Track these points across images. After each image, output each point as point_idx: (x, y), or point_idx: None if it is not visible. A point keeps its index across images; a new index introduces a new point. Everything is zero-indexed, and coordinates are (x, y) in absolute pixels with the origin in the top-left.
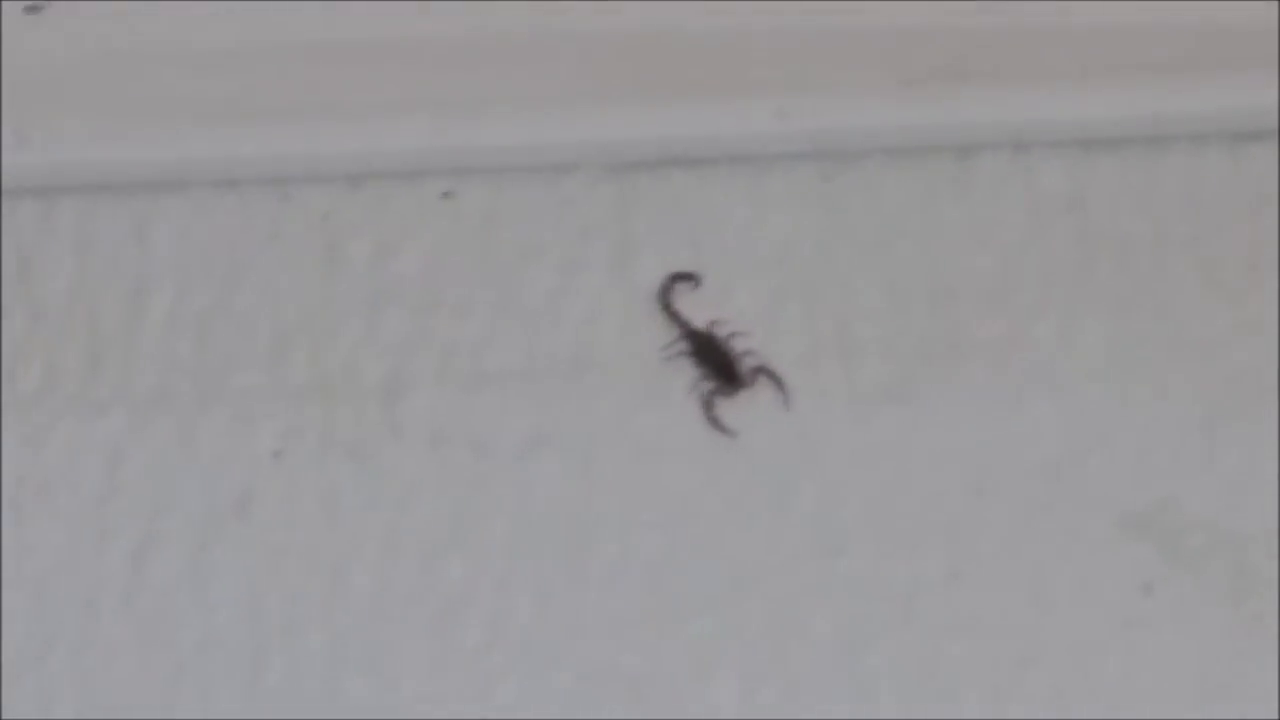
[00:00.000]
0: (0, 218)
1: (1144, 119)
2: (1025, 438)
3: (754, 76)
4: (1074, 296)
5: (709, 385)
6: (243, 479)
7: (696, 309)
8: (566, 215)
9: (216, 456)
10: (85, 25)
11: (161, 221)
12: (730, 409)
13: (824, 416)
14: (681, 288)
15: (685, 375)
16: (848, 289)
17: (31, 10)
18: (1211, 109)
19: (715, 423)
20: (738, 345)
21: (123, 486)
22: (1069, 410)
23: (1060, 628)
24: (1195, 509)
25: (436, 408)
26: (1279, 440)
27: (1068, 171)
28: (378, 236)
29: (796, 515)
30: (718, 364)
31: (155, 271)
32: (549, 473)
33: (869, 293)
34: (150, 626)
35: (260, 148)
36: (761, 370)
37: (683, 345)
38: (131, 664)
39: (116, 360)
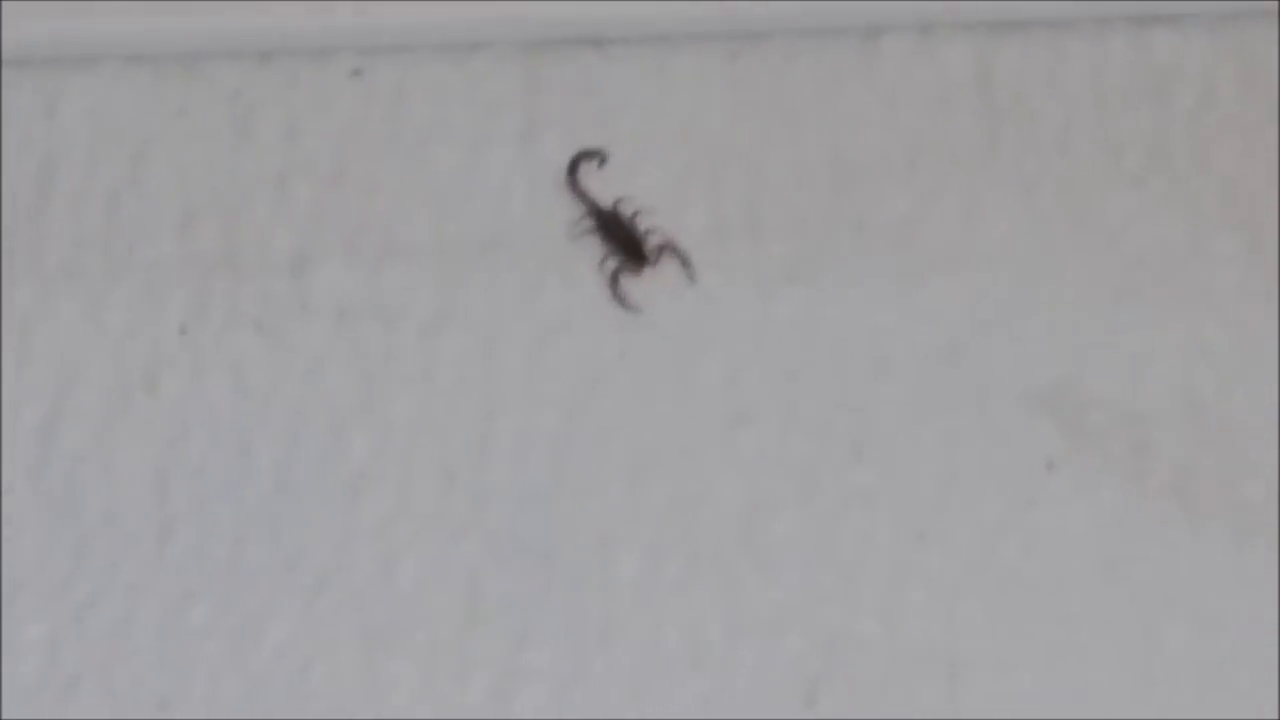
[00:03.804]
0: None
1: (1049, 1)
2: (929, 316)
3: None
4: (978, 177)
5: (615, 262)
6: (151, 353)
7: (603, 187)
8: (474, 93)
9: (124, 330)
10: None
11: (72, 97)
12: (636, 285)
13: (729, 294)
14: (588, 165)
15: (592, 252)
16: (753, 168)
17: None
18: None
19: (621, 299)
20: (643, 223)
21: (31, 360)
22: (972, 290)
23: (962, 503)
24: (1097, 387)
25: (344, 283)
26: (1180, 320)
27: (973, 53)
28: (287, 113)
29: (701, 391)
30: (624, 241)
31: (65, 147)
32: (456, 348)
33: (774, 172)
34: (57, 500)
35: (170, 23)
36: (667, 247)
37: (589, 222)
38: (39, 536)
39: (25, 235)
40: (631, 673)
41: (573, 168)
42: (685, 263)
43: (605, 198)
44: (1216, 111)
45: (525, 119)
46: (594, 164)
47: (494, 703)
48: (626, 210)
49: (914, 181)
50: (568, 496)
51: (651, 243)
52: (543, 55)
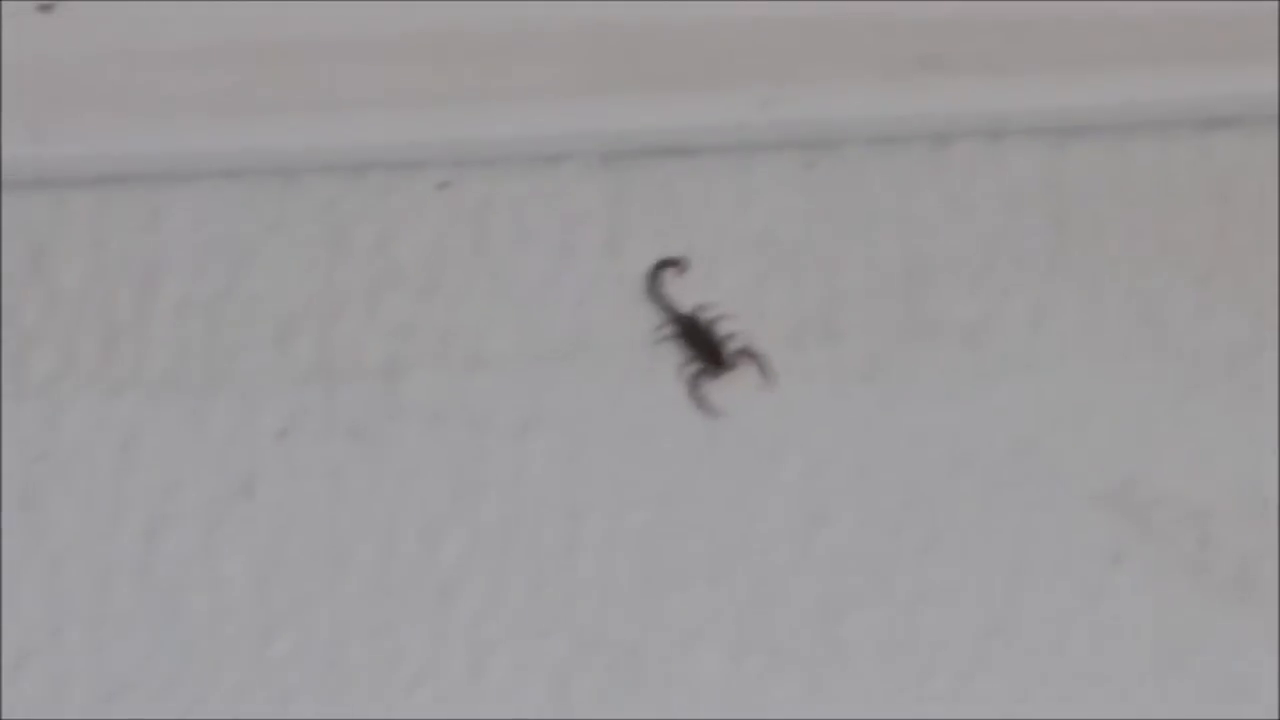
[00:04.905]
0: (8, 210)
1: (1114, 107)
2: (999, 415)
3: (740, 68)
4: (1046, 278)
5: (696, 367)
6: (250, 459)
7: (684, 293)
8: (559, 204)
9: (224, 437)
10: (96, 23)
11: (172, 211)
12: (716, 389)
13: (806, 395)
14: (670, 273)
15: (673, 357)
16: (829, 272)
17: (44, 9)
18: (1179, 97)
19: (702, 402)
20: (723, 328)
21: (135, 467)
22: (1041, 388)
23: (1031, 598)
24: (1163, 482)
25: (435, 389)
26: (1244, 415)
27: (1040, 158)
28: (379, 224)
29: (779, 490)
30: (704, 346)
31: (166, 259)
32: (543, 451)
33: (850, 276)
34: (161, 602)
35: (267, 139)
36: (746, 351)
37: (671, 328)
38: (143, 638)
39: (129, 345)
40: None
41: (654, 275)
42: (763, 366)
43: (686, 304)
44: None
45: (608, 228)
46: (675, 271)
47: None
48: (706, 316)
49: (984, 283)
50: (651, 594)
51: (731, 347)
52: (625, 166)
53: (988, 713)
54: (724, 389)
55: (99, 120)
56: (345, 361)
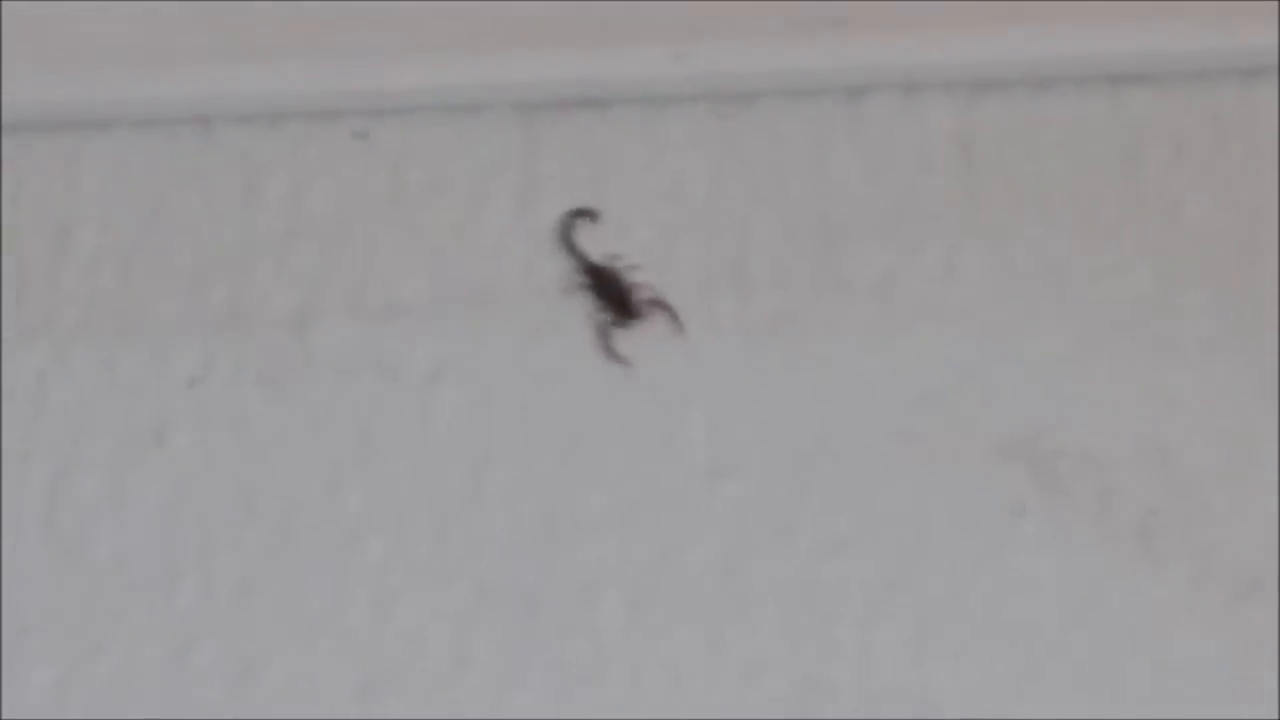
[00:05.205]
0: None
1: (1027, 62)
2: (907, 368)
3: (654, 21)
4: (956, 233)
5: (606, 317)
6: (160, 406)
7: (596, 244)
8: (473, 154)
9: (135, 385)
10: None
11: (85, 160)
12: (625, 340)
13: (716, 347)
14: (582, 223)
15: (583, 307)
16: (741, 224)
17: None
18: (1091, 53)
19: (611, 353)
20: (634, 278)
21: (44, 413)
22: (948, 341)
23: (935, 549)
24: (1067, 435)
25: (345, 338)
26: (1146, 369)
27: (954, 112)
28: (293, 174)
29: (686, 441)
30: (615, 296)
31: (80, 208)
32: (451, 400)
33: (761, 228)
34: (68, 547)
35: (181, 88)
36: (656, 302)
37: (582, 278)
38: (50, 582)
39: (41, 294)
40: (614, 714)
41: (566, 224)
42: (673, 317)
43: (597, 254)
44: (1188, 167)
45: (522, 178)
46: (587, 221)
47: None
48: (618, 266)
49: (895, 237)
50: (555, 544)
51: (641, 297)
52: (539, 117)
53: (887, 663)
54: (633, 339)
55: (10, 68)
56: (256, 310)
